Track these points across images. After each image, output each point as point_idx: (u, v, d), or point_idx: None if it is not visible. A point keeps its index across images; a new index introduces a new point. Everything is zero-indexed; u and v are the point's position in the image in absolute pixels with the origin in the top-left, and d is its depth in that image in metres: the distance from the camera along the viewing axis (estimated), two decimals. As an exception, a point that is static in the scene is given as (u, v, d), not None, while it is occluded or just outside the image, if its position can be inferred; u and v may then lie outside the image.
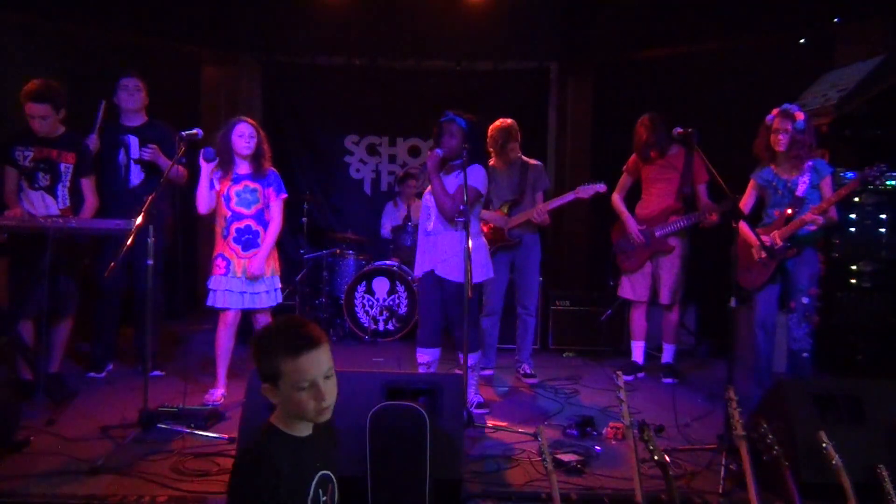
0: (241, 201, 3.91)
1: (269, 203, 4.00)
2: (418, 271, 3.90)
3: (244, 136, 3.89)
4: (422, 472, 2.53)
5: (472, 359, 3.86)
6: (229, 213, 3.91)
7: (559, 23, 6.80)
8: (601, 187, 4.47)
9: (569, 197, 4.53)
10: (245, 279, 3.90)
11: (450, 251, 3.75)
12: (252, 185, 3.93)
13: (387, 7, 6.67)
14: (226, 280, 3.88)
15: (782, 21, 5.56)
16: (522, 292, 4.73)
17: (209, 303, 3.91)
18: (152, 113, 4.59)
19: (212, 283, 3.91)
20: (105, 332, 4.55)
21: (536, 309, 4.84)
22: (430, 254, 3.82)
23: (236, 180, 3.91)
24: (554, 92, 7.02)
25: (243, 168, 3.94)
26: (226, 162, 3.89)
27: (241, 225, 3.91)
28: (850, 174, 4.40)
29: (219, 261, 3.91)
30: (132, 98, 4.42)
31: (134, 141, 4.43)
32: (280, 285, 4.09)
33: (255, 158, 3.94)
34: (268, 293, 3.98)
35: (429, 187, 3.84)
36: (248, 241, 3.92)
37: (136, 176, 4.46)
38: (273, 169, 4.05)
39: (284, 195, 4.07)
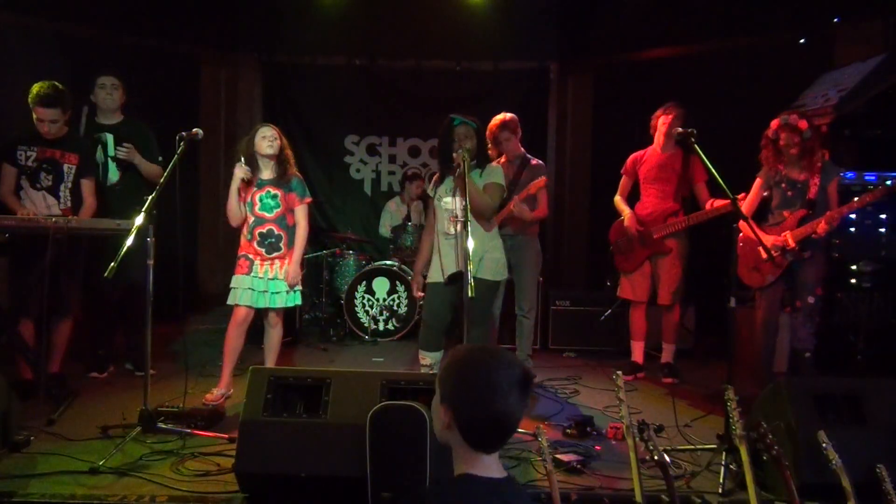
0: (264, 206, 3.97)
1: (291, 207, 4.04)
2: (437, 275, 3.72)
3: (267, 137, 3.95)
4: (422, 472, 2.53)
5: None
6: (252, 218, 3.97)
7: (559, 23, 6.81)
8: (542, 181, 4.46)
9: (532, 190, 4.48)
10: (267, 279, 3.95)
11: (483, 250, 3.71)
12: (274, 190, 3.98)
13: (387, 7, 6.67)
14: (248, 279, 3.93)
15: (782, 21, 5.57)
16: (517, 293, 4.73)
17: (230, 301, 3.96)
18: (158, 113, 4.59)
19: (233, 282, 3.96)
20: (106, 332, 4.57)
21: (535, 310, 4.81)
22: (458, 257, 3.66)
23: (260, 185, 3.97)
24: (554, 92, 7.02)
25: (266, 173, 3.99)
26: (250, 167, 3.94)
27: (264, 229, 3.96)
28: (849, 174, 4.40)
29: (242, 261, 3.98)
30: (110, 97, 4.41)
31: (110, 139, 4.43)
32: (300, 287, 4.12)
33: (279, 163, 3.99)
34: (286, 293, 4.01)
35: (433, 189, 3.82)
36: (272, 244, 3.97)
37: (114, 174, 4.46)
38: (297, 175, 4.09)
39: (308, 199, 4.12)
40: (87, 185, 4.21)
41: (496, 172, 3.82)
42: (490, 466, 1.48)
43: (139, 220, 3.19)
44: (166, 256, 4.46)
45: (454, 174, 3.71)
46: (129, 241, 3.09)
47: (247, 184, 3.95)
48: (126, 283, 4.37)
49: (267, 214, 3.97)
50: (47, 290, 3.71)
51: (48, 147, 4.06)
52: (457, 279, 3.68)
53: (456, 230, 3.68)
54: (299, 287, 4.11)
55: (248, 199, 3.98)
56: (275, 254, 3.98)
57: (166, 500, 2.71)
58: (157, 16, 6.18)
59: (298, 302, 4.14)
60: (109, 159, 4.44)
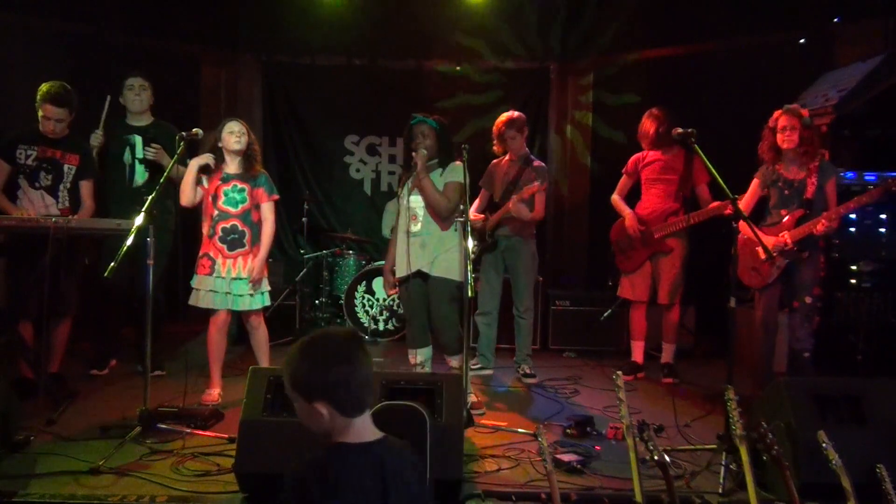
0: (229, 200, 3.88)
1: (258, 203, 3.95)
2: (400, 272, 3.84)
3: (235, 132, 3.86)
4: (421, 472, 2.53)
5: (460, 359, 3.86)
6: (216, 212, 3.87)
7: (559, 23, 6.80)
8: (534, 187, 4.38)
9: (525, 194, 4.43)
10: (230, 280, 3.85)
11: (441, 249, 3.75)
12: (241, 184, 3.90)
13: (387, 7, 6.66)
14: (210, 280, 3.84)
15: (782, 21, 5.57)
16: (514, 294, 4.75)
17: (191, 302, 3.88)
18: (158, 113, 4.60)
19: (195, 283, 3.88)
20: (109, 330, 4.57)
21: (532, 310, 4.82)
22: (416, 254, 3.78)
23: (226, 179, 3.89)
24: (554, 92, 7.02)
25: (233, 167, 3.91)
26: (216, 161, 3.87)
27: (227, 224, 3.87)
28: (849, 174, 4.40)
29: (204, 260, 3.87)
30: (138, 98, 4.43)
31: (139, 141, 4.44)
32: (269, 288, 4.03)
33: (246, 158, 3.91)
34: (252, 296, 3.91)
35: (400, 189, 3.88)
36: (234, 240, 3.87)
37: (141, 176, 4.47)
38: (264, 172, 4.02)
39: (276, 196, 4.03)
40: (86, 187, 4.21)
41: (456, 171, 3.78)
42: (363, 431, 1.61)
43: (139, 219, 3.19)
44: (170, 257, 4.50)
45: (412, 173, 3.79)
46: (129, 241, 3.09)
47: (211, 175, 3.87)
48: (128, 284, 4.38)
49: (231, 209, 3.87)
50: (47, 291, 3.71)
51: (49, 147, 4.06)
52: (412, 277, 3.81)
53: (417, 228, 3.79)
54: (267, 288, 4.00)
55: (213, 193, 3.87)
56: (237, 250, 3.87)
57: (166, 500, 2.71)
58: (158, 15, 6.18)
59: (266, 303, 4.01)
60: (137, 161, 4.44)
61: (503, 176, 4.69)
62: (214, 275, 3.85)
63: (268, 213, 3.99)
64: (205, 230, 3.92)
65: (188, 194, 3.85)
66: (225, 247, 3.86)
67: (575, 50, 6.83)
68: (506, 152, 4.72)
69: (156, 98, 4.60)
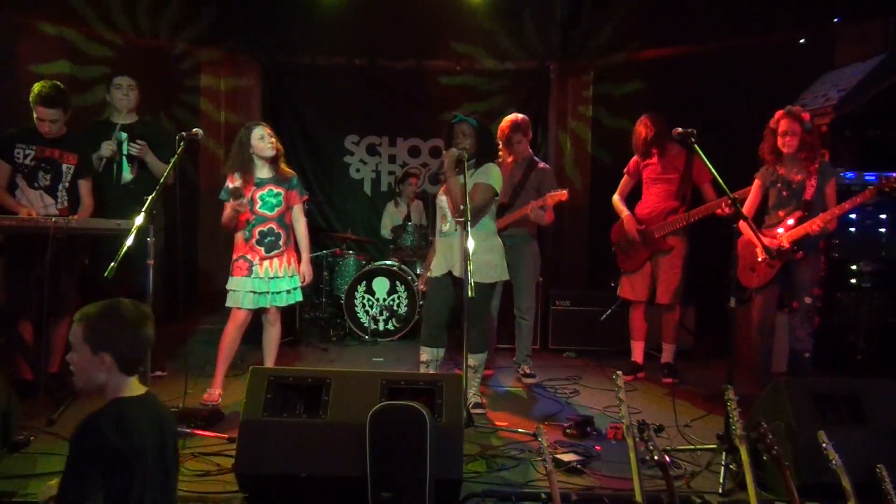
0: (265, 205, 3.94)
1: (291, 205, 4.03)
2: (436, 271, 3.84)
3: (265, 137, 3.92)
4: (422, 472, 2.53)
5: (477, 359, 3.87)
6: (253, 217, 3.92)
7: (559, 23, 6.81)
8: (563, 195, 4.37)
9: (538, 203, 4.40)
10: (268, 279, 3.93)
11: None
12: (277, 188, 3.95)
13: (387, 7, 6.67)
14: (249, 281, 3.89)
15: (782, 21, 5.57)
16: (515, 294, 4.74)
17: (230, 303, 3.92)
18: (144, 112, 4.60)
19: (233, 285, 3.91)
20: None
21: (533, 311, 4.81)
22: (447, 255, 3.78)
23: (260, 184, 3.93)
24: (554, 92, 7.02)
25: (265, 171, 3.96)
26: (246, 168, 3.89)
27: (265, 227, 3.93)
28: (849, 174, 4.40)
29: (241, 262, 3.92)
30: (126, 98, 4.44)
31: (125, 138, 4.44)
32: (300, 284, 4.11)
33: (275, 160, 3.98)
34: (289, 292, 4.01)
35: (443, 187, 3.82)
36: (272, 243, 3.94)
37: (127, 172, 4.47)
38: (294, 173, 4.10)
39: (305, 196, 4.15)
40: (84, 186, 4.21)
41: (487, 172, 3.76)
42: (135, 388, 1.92)
43: (139, 219, 3.18)
44: (166, 256, 4.51)
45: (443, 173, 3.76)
46: (129, 241, 3.09)
47: (245, 181, 3.89)
48: (128, 284, 4.37)
49: (268, 213, 3.95)
50: (47, 291, 3.70)
51: (47, 146, 4.05)
52: (448, 276, 3.77)
53: (447, 228, 3.76)
54: (300, 284, 4.09)
55: (249, 198, 3.92)
56: (273, 252, 3.95)
57: (166, 500, 2.71)
58: (157, 16, 6.19)
59: (300, 298, 4.14)
60: (124, 157, 4.46)
61: (508, 178, 4.67)
62: (252, 276, 3.90)
63: (299, 213, 4.08)
64: (239, 234, 3.97)
65: (232, 224, 3.94)
66: (262, 249, 3.93)
67: (575, 49, 6.84)
68: (510, 156, 4.70)
69: (156, 98, 4.60)
